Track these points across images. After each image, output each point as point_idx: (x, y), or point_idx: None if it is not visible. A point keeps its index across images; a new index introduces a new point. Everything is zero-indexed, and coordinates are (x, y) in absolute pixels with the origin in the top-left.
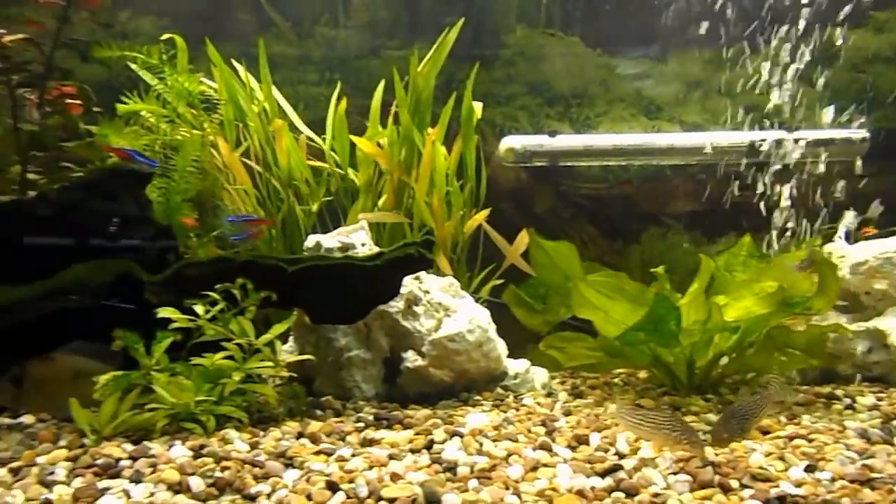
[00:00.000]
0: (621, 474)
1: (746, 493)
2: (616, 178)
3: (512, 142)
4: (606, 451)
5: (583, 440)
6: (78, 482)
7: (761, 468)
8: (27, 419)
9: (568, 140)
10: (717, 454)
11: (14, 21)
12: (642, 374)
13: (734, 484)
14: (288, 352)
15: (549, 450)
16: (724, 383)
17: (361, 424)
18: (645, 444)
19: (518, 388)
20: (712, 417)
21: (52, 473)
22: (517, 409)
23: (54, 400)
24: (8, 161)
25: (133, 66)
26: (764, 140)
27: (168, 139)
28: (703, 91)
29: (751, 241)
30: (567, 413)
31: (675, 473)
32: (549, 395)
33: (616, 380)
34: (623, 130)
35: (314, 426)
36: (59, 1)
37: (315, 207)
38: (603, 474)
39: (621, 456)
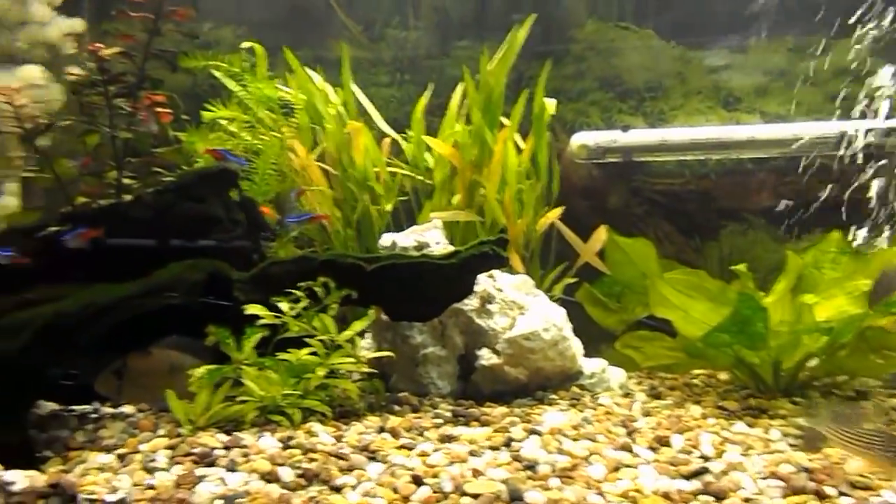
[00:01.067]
0: (708, 477)
1: (845, 501)
2: (693, 172)
3: (584, 138)
4: (690, 453)
5: (664, 442)
6: (178, 469)
7: (861, 476)
8: (127, 409)
9: (642, 135)
10: (810, 459)
11: (109, 35)
12: (723, 376)
13: (831, 491)
14: (365, 348)
15: (630, 451)
16: (813, 386)
17: (439, 420)
18: (730, 447)
19: (594, 387)
20: (801, 422)
21: (153, 460)
22: (595, 409)
23: (152, 391)
24: (105, 167)
25: (217, 74)
26: (853, 130)
27: (249, 144)
28: (786, 80)
29: (840, 236)
30: (646, 414)
31: (765, 478)
32: (626, 395)
33: (696, 381)
34: (700, 123)
35: (394, 421)
36: (150, 15)
37: (389, 207)
38: (689, 477)
39: (706, 458)
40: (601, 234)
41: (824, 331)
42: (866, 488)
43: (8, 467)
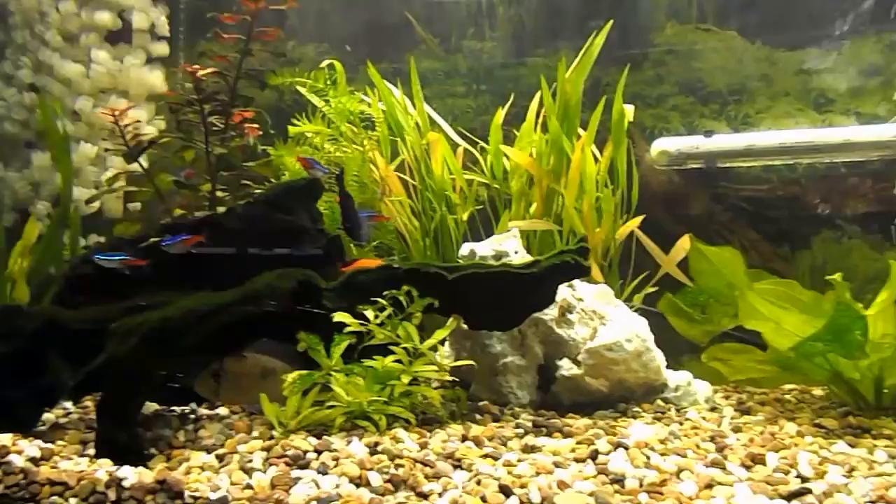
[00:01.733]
0: (810, 499)
1: None
2: (781, 178)
3: (665, 144)
4: (787, 472)
5: (758, 459)
6: (273, 471)
7: None
8: (223, 410)
9: (727, 140)
10: None
11: (205, 55)
12: (818, 391)
13: None
14: (445, 357)
15: (723, 467)
16: None
17: (521, 430)
18: (831, 467)
19: (679, 400)
20: None
21: (250, 461)
22: (681, 423)
23: (246, 394)
24: (200, 180)
25: (302, 90)
26: None
27: (332, 156)
28: (884, 79)
29: None
30: (737, 430)
31: (873, 502)
32: (713, 409)
33: (788, 396)
34: (789, 126)
35: (476, 430)
36: (242, 36)
37: (465, 216)
38: (788, 497)
39: (805, 479)
40: (684, 244)
41: None
42: None
43: (118, 464)
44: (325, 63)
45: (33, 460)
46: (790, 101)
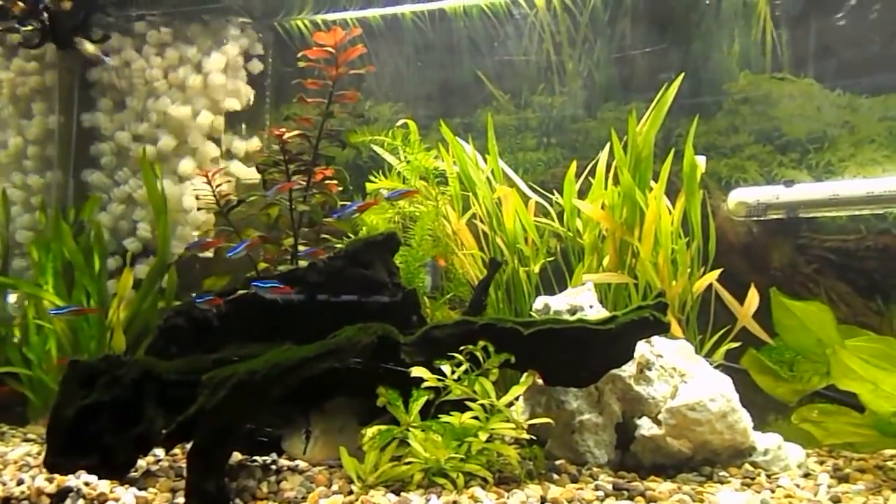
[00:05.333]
0: None
1: None
2: (869, 227)
3: (743, 195)
4: None
5: None
6: None
7: None
8: (302, 464)
9: (809, 189)
10: None
11: (289, 118)
12: None
13: None
14: (521, 413)
15: None
16: None
17: (601, 493)
18: None
19: (769, 465)
20: None
21: None
22: (773, 491)
23: (329, 449)
24: (282, 235)
25: (377, 150)
26: None
27: (407, 211)
28: None
29: None
30: (836, 500)
31: None
32: (806, 475)
33: (889, 463)
34: (875, 175)
35: (555, 491)
36: (323, 100)
37: (536, 269)
38: None
39: None
40: (754, 296)
41: None
42: None
43: None
44: (399, 122)
45: None
46: (876, 148)
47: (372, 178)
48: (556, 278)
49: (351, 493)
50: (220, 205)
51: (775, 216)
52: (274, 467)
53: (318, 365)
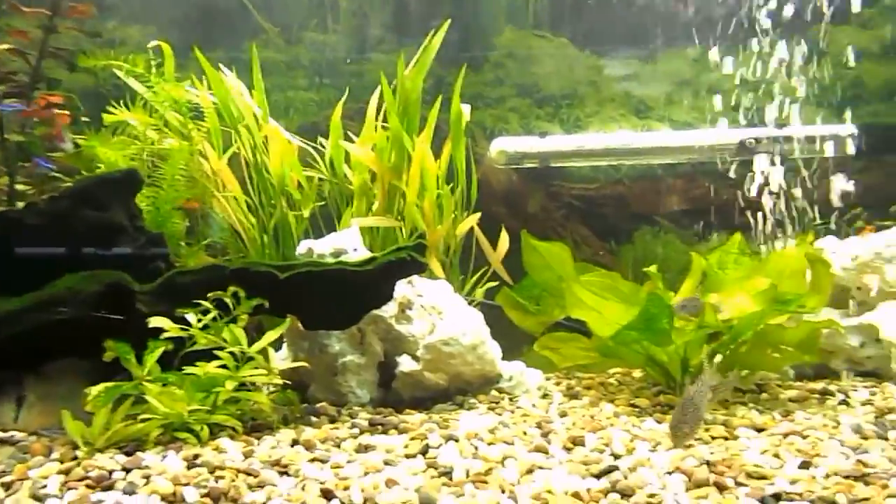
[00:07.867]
0: (616, 475)
1: (742, 491)
2: (607, 177)
3: (503, 144)
4: (602, 451)
5: (578, 441)
6: (71, 495)
7: (756, 466)
8: (19, 434)
9: (559, 141)
10: (712, 452)
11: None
12: (637, 374)
13: (729, 482)
14: (281, 359)
15: (545, 452)
16: None
17: (356, 430)
18: (639, 444)
19: (513, 390)
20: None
21: (44, 487)
22: (512, 412)
23: (51, 418)
24: None
25: (119, 75)
26: (753, 137)
27: (156, 148)
28: (692, 89)
29: (741, 238)
30: (563, 414)
31: (669, 473)
32: (544, 396)
33: (611, 379)
34: (613, 130)
35: (309, 433)
36: (45, 11)
37: (307, 213)
38: (598, 475)
39: (616, 457)
40: (505, 239)
41: (726, 328)
42: (761, 478)
43: None
44: (152, 44)
45: None
46: (615, 107)
47: (111, 107)
48: (328, 224)
49: (75, 458)
50: None
51: (531, 165)
52: None
53: (29, 319)
